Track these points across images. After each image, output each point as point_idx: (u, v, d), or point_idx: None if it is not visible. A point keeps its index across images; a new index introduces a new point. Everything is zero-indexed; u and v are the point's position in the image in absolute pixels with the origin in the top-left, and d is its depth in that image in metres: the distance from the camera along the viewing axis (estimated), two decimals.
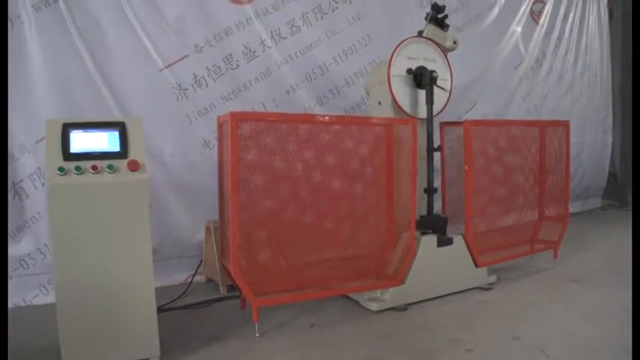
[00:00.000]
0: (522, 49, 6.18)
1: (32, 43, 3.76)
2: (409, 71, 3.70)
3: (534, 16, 6.27)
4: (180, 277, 4.21)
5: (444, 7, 3.84)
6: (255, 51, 4.44)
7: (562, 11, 6.49)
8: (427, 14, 3.90)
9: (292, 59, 4.60)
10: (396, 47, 3.67)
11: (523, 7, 6.17)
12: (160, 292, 3.11)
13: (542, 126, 4.38)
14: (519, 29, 6.14)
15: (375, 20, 4.99)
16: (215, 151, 3.47)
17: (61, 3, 3.79)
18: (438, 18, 3.88)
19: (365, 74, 4.86)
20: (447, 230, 3.76)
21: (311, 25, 4.69)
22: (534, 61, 6.31)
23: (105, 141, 2.75)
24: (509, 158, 4.08)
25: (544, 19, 6.36)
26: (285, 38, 4.57)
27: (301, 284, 3.32)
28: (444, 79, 3.83)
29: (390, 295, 3.44)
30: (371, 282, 3.48)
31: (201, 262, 4.13)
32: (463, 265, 3.75)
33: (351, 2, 4.87)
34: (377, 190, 3.51)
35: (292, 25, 4.61)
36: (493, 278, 3.94)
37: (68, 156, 2.64)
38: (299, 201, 3.24)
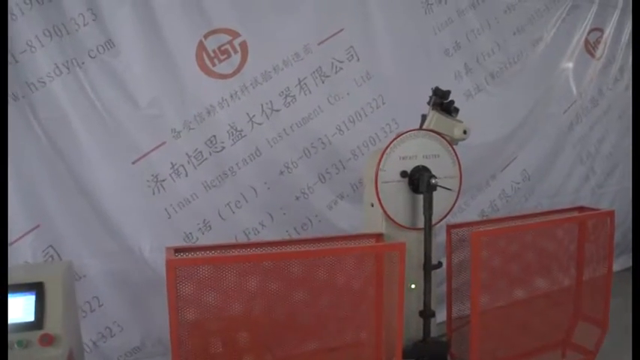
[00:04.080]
0: (574, 89, 5.31)
1: None
2: (404, 174, 3.11)
3: (589, 47, 5.37)
4: None
5: (448, 92, 3.20)
6: (241, 130, 3.95)
7: (624, 39, 5.52)
8: (430, 97, 3.26)
9: (287, 134, 4.07)
10: (386, 147, 3.08)
11: (576, 39, 5.26)
12: None
13: (581, 222, 3.64)
14: (571, 65, 5.27)
15: (389, 77, 4.36)
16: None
17: (22, 99, 3.46)
18: (443, 103, 3.24)
19: (377, 141, 4.28)
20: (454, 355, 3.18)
21: (309, 92, 4.12)
22: (589, 100, 5.43)
23: (17, 309, 2.46)
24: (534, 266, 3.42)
25: (602, 50, 5.44)
26: (277, 111, 4.04)
27: None
28: (451, 176, 3.20)
29: None
30: None
31: None
32: None
33: (358, 59, 4.24)
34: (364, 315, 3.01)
35: (287, 95, 4.06)
36: None
37: None
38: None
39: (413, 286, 3.18)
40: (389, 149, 3.09)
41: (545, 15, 5.06)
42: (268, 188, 4.04)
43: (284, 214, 4.11)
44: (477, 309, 3.11)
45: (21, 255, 3.43)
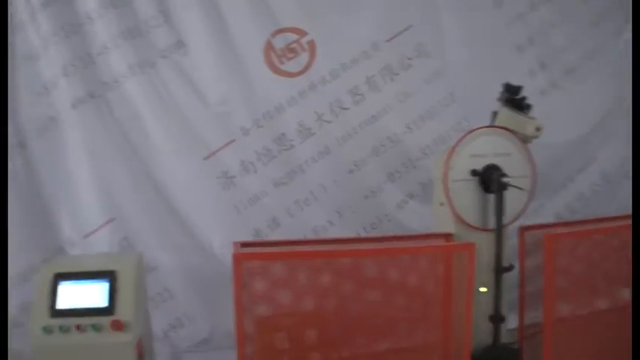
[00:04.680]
0: None
1: (73, 142, 3.69)
2: (474, 173, 3.01)
3: None
4: None
5: (519, 87, 3.08)
6: (310, 128, 3.97)
7: None
8: (500, 93, 3.15)
9: (356, 132, 4.06)
10: (455, 144, 3.00)
11: None
12: None
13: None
14: None
15: (460, 74, 4.24)
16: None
17: (99, 98, 3.66)
18: (515, 99, 3.12)
19: (447, 139, 4.18)
20: None
21: (379, 91, 4.09)
22: None
23: (92, 294, 2.57)
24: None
25: None
26: (346, 109, 4.03)
27: None
28: (523, 176, 3.08)
29: None
30: None
31: None
32: None
33: (428, 56, 4.16)
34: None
35: (355, 94, 4.04)
36: None
37: (54, 312, 2.49)
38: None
39: (483, 289, 3.07)
40: (458, 147, 3.01)
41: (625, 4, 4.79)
42: (337, 187, 4.04)
43: (353, 212, 4.10)
44: (551, 317, 2.95)
45: (97, 246, 3.62)
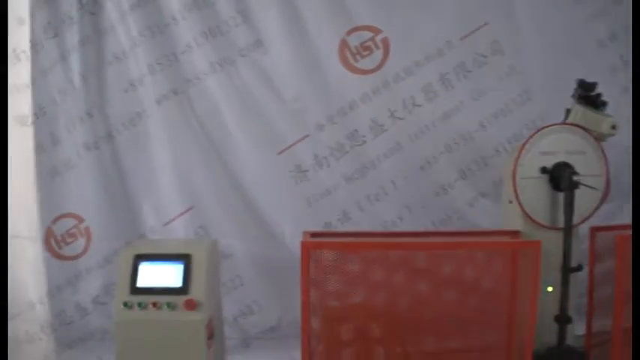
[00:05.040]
0: None
1: (156, 136, 4.00)
2: (544, 170, 2.99)
3: None
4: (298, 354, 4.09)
5: (594, 84, 3.02)
6: (383, 124, 4.06)
7: None
8: (574, 90, 3.10)
9: (428, 129, 4.11)
10: (525, 142, 2.99)
11: None
12: None
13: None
14: None
15: (536, 70, 4.19)
16: None
17: (181, 94, 3.92)
18: (589, 96, 3.06)
19: (521, 138, 4.12)
20: None
21: (452, 88, 4.12)
22: None
23: (168, 275, 2.75)
24: None
25: None
26: (419, 106, 4.09)
27: None
28: (596, 175, 3.02)
29: None
30: None
31: None
32: None
33: (503, 53, 4.14)
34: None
35: (428, 91, 4.09)
36: None
37: (134, 290, 2.69)
38: None
39: (550, 288, 3.03)
40: (528, 144, 3.00)
41: None
42: (408, 183, 4.11)
43: (422, 208, 4.15)
44: (620, 324, 2.88)
45: (175, 233, 3.90)
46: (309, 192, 4.04)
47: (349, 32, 3.99)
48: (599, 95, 3.06)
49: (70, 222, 4.02)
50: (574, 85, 3.15)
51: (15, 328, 3.75)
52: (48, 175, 3.91)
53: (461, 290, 2.95)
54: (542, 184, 3.02)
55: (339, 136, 4.05)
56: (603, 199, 3.09)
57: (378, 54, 4.02)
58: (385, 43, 4.02)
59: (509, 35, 4.18)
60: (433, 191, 4.16)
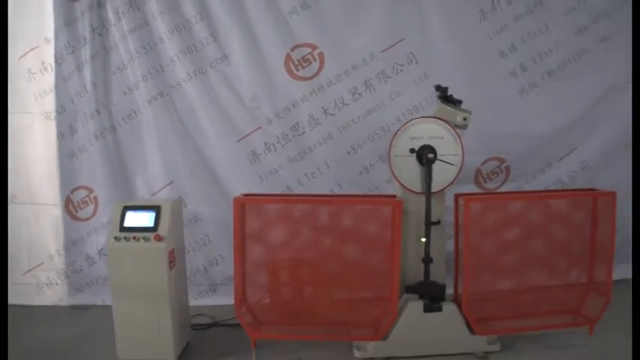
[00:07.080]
0: None
1: (147, 128, 5.11)
2: (412, 150, 4.01)
3: None
4: None
5: (446, 88, 4.05)
6: (318, 119, 5.08)
7: None
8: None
9: (355, 123, 5.09)
10: (399, 129, 4.03)
11: None
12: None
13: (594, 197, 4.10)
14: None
15: (444, 76, 4.91)
16: None
17: (166, 96, 5.05)
18: (447, 95, 4.10)
19: None
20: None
21: (374, 90, 5.07)
22: None
23: (145, 219, 3.89)
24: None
25: None
26: (347, 105, 5.08)
27: (306, 323, 4.01)
28: (454, 154, 4.02)
29: (372, 347, 3.94)
30: (361, 333, 4.01)
31: None
32: (453, 331, 3.93)
33: (417, 63, 5.08)
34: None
35: (355, 93, 5.08)
36: (495, 347, 3.96)
37: (122, 228, 3.85)
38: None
39: (423, 239, 3.97)
40: (401, 131, 4.03)
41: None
42: (338, 164, 5.13)
43: (350, 184, 5.14)
44: (468, 258, 3.94)
45: None
46: (261, 170, 5.07)
47: (293, 48, 4.99)
48: (451, 95, 4.13)
49: (83, 192, 5.08)
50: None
51: (38, 275, 5.05)
52: (67, 157, 4.99)
53: (356, 243, 4.02)
54: (412, 161, 4.04)
55: (285, 128, 5.04)
56: (459, 171, 4.14)
57: (315, 65, 5.02)
58: (321, 56, 5.03)
59: (422, 48, 5.06)
60: (358, 171, 5.11)
